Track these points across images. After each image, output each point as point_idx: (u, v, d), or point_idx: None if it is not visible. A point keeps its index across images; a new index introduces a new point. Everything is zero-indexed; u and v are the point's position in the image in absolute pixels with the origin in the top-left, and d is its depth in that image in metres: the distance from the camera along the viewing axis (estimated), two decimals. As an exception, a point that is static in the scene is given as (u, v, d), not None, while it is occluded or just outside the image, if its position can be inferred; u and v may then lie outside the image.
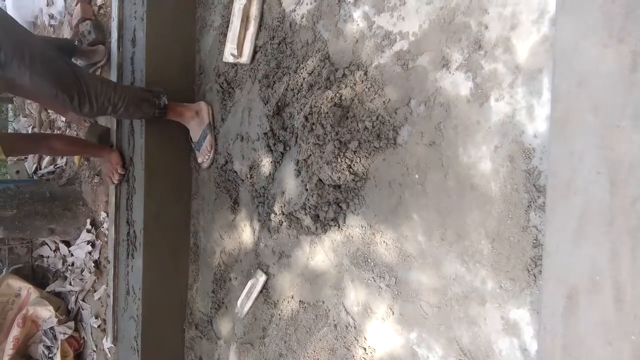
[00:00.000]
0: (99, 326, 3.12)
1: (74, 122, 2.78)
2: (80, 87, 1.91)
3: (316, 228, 1.73)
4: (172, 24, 2.34)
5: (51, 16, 3.75)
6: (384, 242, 1.55)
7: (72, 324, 3.35)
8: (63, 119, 3.60)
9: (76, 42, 2.84)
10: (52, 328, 3.35)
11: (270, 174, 1.97)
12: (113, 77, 2.55)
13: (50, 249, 3.65)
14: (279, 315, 1.93)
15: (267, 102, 1.95)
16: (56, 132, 3.69)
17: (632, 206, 0.98)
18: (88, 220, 3.17)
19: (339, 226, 1.69)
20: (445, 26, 1.38)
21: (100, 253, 3.13)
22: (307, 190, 1.75)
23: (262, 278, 2.00)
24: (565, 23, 1.09)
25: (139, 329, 2.37)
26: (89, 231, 3.17)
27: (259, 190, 2.03)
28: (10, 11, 3.89)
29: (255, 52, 2.04)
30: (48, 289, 3.51)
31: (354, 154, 1.58)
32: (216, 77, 2.25)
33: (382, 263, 1.56)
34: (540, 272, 1.18)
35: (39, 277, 3.74)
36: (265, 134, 1.94)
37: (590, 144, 1.05)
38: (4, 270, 3.63)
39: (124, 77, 2.46)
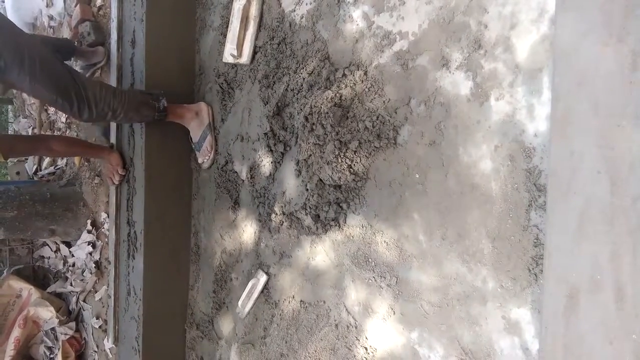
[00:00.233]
0: (100, 327, 3.12)
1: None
2: (79, 93, 1.92)
3: (317, 228, 1.73)
4: (172, 24, 2.33)
5: (50, 17, 3.75)
6: (384, 241, 1.55)
7: (73, 324, 3.36)
8: (63, 119, 3.60)
9: (75, 43, 2.84)
10: (53, 329, 3.36)
11: (270, 174, 1.97)
12: (113, 78, 2.55)
13: (51, 249, 3.65)
14: (280, 315, 1.93)
15: (267, 103, 1.95)
16: (56, 133, 3.69)
17: (633, 205, 0.99)
18: (89, 221, 3.17)
19: (339, 226, 1.69)
20: (445, 26, 1.38)
21: (101, 254, 3.13)
22: (307, 190, 1.75)
23: (263, 278, 2.00)
24: (565, 22, 1.09)
25: (140, 329, 2.37)
26: (89, 232, 3.17)
27: (259, 191, 2.03)
28: (9, 12, 3.89)
29: (255, 53, 2.04)
30: (49, 289, 3.51)
31: (355, 153, 1.58)
32: (216, 78, 2.25)
33: (382, 263, 1.56)
34: (541, 271, 1.18)
35: (39, 278, 3.74)
36: (266, 134, 1.94)
37: (590, 143, 1.05)
38: (5, 271, 3.63)
39: (123, 78, 2.46)
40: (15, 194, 3.01)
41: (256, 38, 2.03)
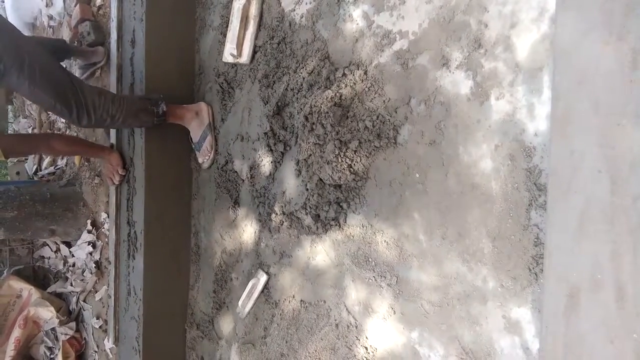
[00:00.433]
0: (100, 327, 3.12)
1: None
2: (78, 100, 1.92)
3: (317, 228, 1.73)
4: (172, 24, 2.33)
5: (50, 17, 3.75)
6: (384, 241, 1.55)
7: (73, 324, 3.36)
8: (63, 120, 3.60)
9: (75, 43, 2.84)
10: (53, 329, 3.36)
11: (270, 174, 1.97)
12: (112, 77, 2.55)
13: (51, 250, 3.65)
14: (280, 314, 1.93)
15: (267, 102, 1.95)
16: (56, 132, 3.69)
17: (633, 204, 0.98)
18: (89, 221, 3.16)
19: (339, 226, 1.69)
20: (445, 25, 1.37)
21: (101, 254, 3.13)
22: (307, 189, 1.75)
23: (263, 278, 2.00)
24: (565, 21, 1.09)
25: (140, 329, 2.37)
26: (89, 232, 3.17)
27: (259, 190, 2.03)
28: (9, 12, 3.88)
29: (254, 52, 2.04)
30: (49, 289, 3.51)
31: (355, 153, 1.58)
32: (216, 77, 2.25)
33: (383, 262, 1.56)
34: (542, 270, 1.18)
35: (40, 278, 3.74)
36: (266, 133, 1.94)
37: (590, 142, 1.05)
38: (5, 272, 3.63)
39: (123, 78, 2.46)
40: (15, 194, 3.01)
41: (256, 37, 2.02)
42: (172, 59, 2.34)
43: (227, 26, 2.10)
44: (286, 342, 1.89)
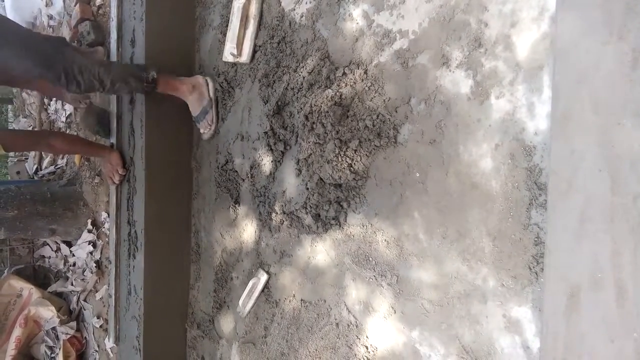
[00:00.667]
0: (100, 326, 3.13)
1: (71, 103, 2.78)
2: (65, 64, 1.92)
3: (317, 227, 1.73)
4: (172, 23, 2.33)
5: (50, 17, 3.75)
6: (385, 240, 1.55)
7: (74, 324, 3.36)
8: (63, 119, 3.60)
9: (75, 43, 2.84)
10: (54, 328, 3.36)
11: (270, 173, 1.97)
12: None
13: (52, 249, 3.65)
14: (281, 314, 1.93)
15: (267, 102, 1.95)
16: (56, 132, 3.69)
17: (634, 203, 0.98)
18: (89, 221, 3.17)
19: (340, 225, 1.69)
20: (445, 24, 1.37)
21: (101, 253, 3.13)
22: (307, 189, 1.75)
23: (263, 277, 2.00)
24: (566, 20, 1.09)
25: (141, 328, 2.37)
26: (90, 231, 3.17)
27: (259, 190, 2.03)
28: (9, 12, 3.89)
29: (254, 52, 2.04)
30: (50, 289, 3.52)
31: (355, 152, 1.58)
32: (216, 77, 2.25)
33: (383, 261, 1.56)
34: (542, 269, 1.18)
35: (40, 277, 3.75)
36: (266, 133, 1.94)
37: (591, 141, 1.05)
38: (6, 271, 3.64)
39: (123, 77, 2.46)
40: (15, 194, 3.01)
41: (256, 37, 2.02)
42: (172, 58, 2.34)
43: (227, 25, 2.10)
44: (287, 341, 1.89)
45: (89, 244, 3.19)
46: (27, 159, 4.10)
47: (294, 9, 1.86)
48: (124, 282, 2.55)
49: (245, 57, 2.05)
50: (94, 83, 2.01)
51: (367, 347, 1.61)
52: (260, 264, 2.05)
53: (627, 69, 0.99)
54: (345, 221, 1.68)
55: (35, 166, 3.88)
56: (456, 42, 1.35)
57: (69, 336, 3.30)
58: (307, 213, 1.75)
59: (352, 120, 1.59)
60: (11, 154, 4.23)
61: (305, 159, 1.73)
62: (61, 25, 3.57)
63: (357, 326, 1.65)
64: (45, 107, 3.95)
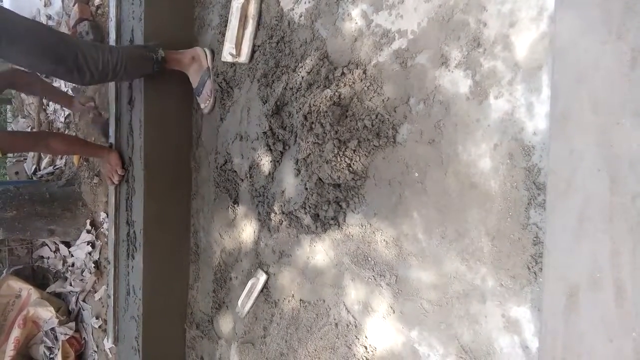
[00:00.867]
0: (99, 326, 3.12)
1: (78, 111, 2.77)
2: (76, 57, 1.89)
3: (316, 227, 1.73)
4: (170, 23, 2.33)
5: (49, 17, 3.75)
6: (384, 240, 1.55)
7: (72, 324, 3.36)
8: (62, 119, 3.60)
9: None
10: (53, 329, 3.36)
11: (269, 173, 1.96)
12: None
13: (50, 249, 3.65)
14: (280, 314, 1.93)
15: (266, 102, 1.95)
16: (55, 132, 3.68)
17: (632, 203, 0.98)
18: (88, 221, 3.16)
19: (339, 225, 1.69)
20: (444, 24, 1.37)
21: (100, 253, 3.13)
22: (306, 189, 1.75)
23: (262, 277, 2.00)
24: (564, 20, 1.09)
25: (140, 329, 2.37)
26: (88, 232, 3.17)
27: (258, 190, 2.03)
28: (7, 12, 3.87)
29: (253, 52, 2.04)
30: (48, 289, 3.51)
31: (354, 152, 1.58)
32: (215, 77, 2.25)
33: (382, 261, 1.56)
34: (541, 269, 1.18)
35: (39, 278, 3.74)
36: (265, 133, 1.94)
37: (590, 141, 1.05)
38: (5, 272, 3.63)
39: (122, 77, 2.45)
40: (14, 194, 3.01)
41: (255, 37, 2.02)
42: (171, 58, 2.34)
43: (226, 25, 2.10)
44: (286, 341, 1.89)
45: (87, 244, 3.18)
46: (26, 159, 4.10)
47: (293, 9, 1.86)
48: (123, 282, 2.55)
49: (244, 57, 2.05)
50: (108, 72, 1.99)
51: (366, 347, 1.61)
52: (259, 264, 2.04)
53: (626, 69, 0.99)
54: (344, 221, 1.67)
55: (34, 166, 3.87)
56: (455, 42, 1.35)
57: (67, 337, 3.29)
58: (306, 213, 1.75)
59: (351, 120, 1.59)
60: (9, 154, 4.23)
61: (304, 159, 1.73)
62: (60, 25, 3.57)
63: (356, 326, 1.65)
64: (44, 107, 3.94)
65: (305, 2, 1.81)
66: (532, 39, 1.20)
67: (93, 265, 3.15)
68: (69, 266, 3.44)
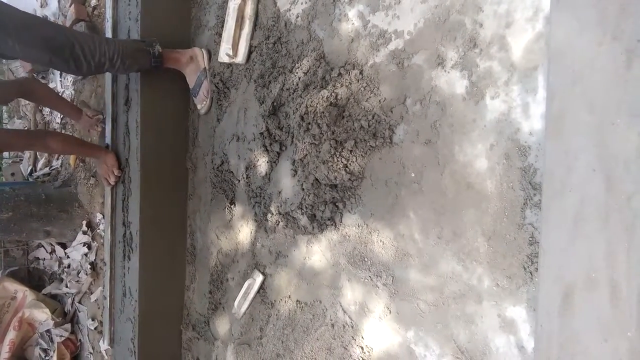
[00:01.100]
0: (95, 328, 3.11)
1: (86, 126, 2.76)
2: (72, 47, 1.89)
3: (313, 227, 1.73)
4: (167, 24, 2.33)
5: (45, 18, 3.74)
6: (380, 240, 1.55)
7: (68, 326, 3.35)
8: (58, 120, 3.59)
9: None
10: (48, 331, 3.34)
11: (266, 174, 1.96)
12: (108, 79, 2.54)
13: (46, 251, 3.64)
14: (276, 315, 1.93)
15: (263, 102, 1.95)
16: (51, 133, 3.67)
17: (628, 203, 0.99)
18: (84, 222, 3.16)
19: (335, 225, 1.69)
20: (440, 24, 1.38)
21: (96, 255, 3.12)
22: (303, 189, 1.75)
23: (259, 278, 1.99)
24: (560, 21, 1.10)
25: (136, 330, 2.36)
26: (84, 233, 3.16)
27: (255, 190, 2.03)
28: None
29: (250, 52, 2.04)
30: (44, 291, 3.50)
31: (350, 153, 1.58)
32: (211, 77, 2.24)
33: (378, 262, 1.56)
34: (537, 269, 1.18)
35: (35, 279, 3.73)
36: (261, 133, 1.93)
37: (585, 141, 1.05)
38: (0, 273, 3.61)
39: (118, 79, 2.45)
40: (10, 195, 3.00)
41: (252, 37, 2.02)
42: (168, 59, 2.34)
43: (222, 26, 2.10)
44: (282, 342, 1.89)
45: (83, 245, 3.17)
46: (22, 160, 4.08)
47: (290, 10, 1.86)
48: (119, 283, 2.54)
49: (240, 58, 2.05)
50: (105, 62, 1.98)
51: (362, 348, 1.61)
52: (256, 265, 2.04)
53: (621, 69, 0.99)
54: (341, 222, 1.67)
55: (30, 167, 3.86)
56: (451, 42, 1.35)
57: (63, 338, 3.28)
58: (302, 214, 1.75)
59: (347, 121, 1.59)
60: (5, 155, 4.21)
61: (301, 159, 1.73)
62: (56, 26, 3.56)
63: (352, 327, 1.64)
64: (40, 108, 3.93)
65: (302, 3, 1.81)
66: (527, 39, 1.20)
67: (89, 266, 3.14)
68: (65, 267, 3.43)
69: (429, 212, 1.42)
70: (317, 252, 1.77)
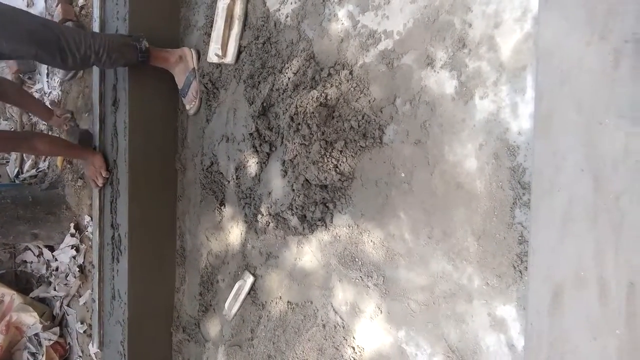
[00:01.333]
0: (84, 331, 3.09)
1: (56, 125, 2.74)
2: (58, 41, 1.87)
3: (303, 228, 1.73)
4: (155, 24, 2.31)
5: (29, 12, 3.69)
6: (371, 241, 1.55)
7: (57, 329, 3.31)
8: (44, 122, 3.55)
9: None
10: (36, 334, 3.31)
11: (256, 175, 1.96)
12: (95, 77, 2.52)
13: (34, 254, 3.60)
14: (267, 316, 1.92)
15: (253, 103, 1.94)
16: (38, 135, 3.63)
17: (616, 202, 1.00)
18: (72, 225, 3.12)
19: (326, 226, 1.68)
20: (430, 25, 1.38)
21: (84, 257, 3.09)
22: (293, 190, 1.75)
23: (249, 279, 1.98)
24: (548, 21, 1.10)
25: (125, 333, 2.34)
26: (72, 235, 3.13)
27: (245, 192, 2.02)
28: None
29: (239, 52, 2.03)
30: (32, 294, 3.46)
31: (340, 153, 1.58)
32: (200, 78, 2.23)
33: (369, 262, 1.56)
34: (526, 268, 1.19)
35: (22, 282, 3.68)
36: (251, 134, 1.93)
37: (573, 141, 1.06)
38: (-13, 277, 3.57)
39: (106, 78, 2.43)
40: (-4, 198, 2.96)
41: (241, 37, 2.01)
42: (156, 59, 2.32)
43: (211, 26, 2.09)
44: (273, 343, 1.88)
45: (71, 248, 3.14)
46: (8, 162, 4.03)
47: (279, 10, 1.85)
48: (108, 286, 2.52)
49: (230, 58, 2.04)
50: (90, 56, 1.96)
51: (354, 348, 1.61)
52: (246, 266, 2.03)
53: (609, 69, 1.00)
54: (332, 222, 1.67)
55: (17, 169, 3.81)
56: (440, 42, 1.36)
57: (52, 342, 3.25)
58: (293, 214, 1.75)
59: (337, 121, 1.59)
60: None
61: (290, 160, 1.72)
62: (43, 26, 3.52)
63: (344, 327, 1.64)
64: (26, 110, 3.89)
65: (291, 3, 1.81)
66: (516, 39, 1.21)
67: (77, 269, 3.11)
68: (53, 270, 3.39)
69: (419, 212, 1.42)
70: (307, 253, 1.76)
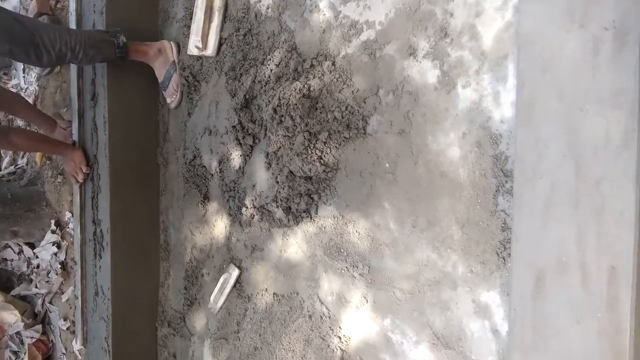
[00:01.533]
0: (67, 328, 3.05)
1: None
2: (32, 38, 1.82)
3: (288, 220, 1.72)
4: (133, 17, 2.27)
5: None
6: (356, 231, 1.56)
7: (39, 327, 3.27)
8: (21, 121, 3.48)
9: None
10: (18, 333, 3.26)
11: (240, 168, 1.95)
12: (73, 73, 2.47)
13: (14, 251, 3.54)
14: (253, 308, 1.92)
15: (235, 95, 1.93)
16: (15, 130, 3.55)
17: (597, 188, 1.01)
18: (52, 221, 3.08)
19: (311, 217, 1.69)
20: (411, 14, 1.38)
21: (66, 254, 3.05)
22: (278, 182, 1.74)
23: (235, 272, 1.98)
24: (529, 9, 1.11)
25: (110, 329, 2.32)
26: (53, 232, 3.08)
27: (229, 185, 2.01)
28: (-39, 6, 3.72)
29: (220, 44, 2.01)
30: (13, 292, 3.41)
31: (324, 144, 1.58)
32: (181, 71, 2.21)
33: (355, 252, 1.56)
34: (510, 255, 1.21)
35: (3, 281, 3.62)
36: (234, 127, 1.91)
37: (555, 128, 1.07)
38: (-35, 276, 3.51)
39: (84, 73, 2.39)
40: (-27, 195, 2.90)
41: (221, 29, 1.99)
42: (135, 52, 2.28)
43: (191, 18, 2.06)
44: (260, 335, 1.88)
45: (53, 245, 3.10)
46: (-15, 159, 3.95)
47: (260, 1, 1.84)
48: (91, 282, 2.49)
49: (210, 50, 2.01)
50: (66, 53, 1.92)
51: (340, 338, 1.62)
52: (232, 259, 2.03)
53: (589, 56, 1.01)
54: (317, 213, 1.67)
55: (-6, 166, 3.74)
56: (422, 32, 1.36)
57: (34, 340, 3.21)
58: (277, 206, 1.75)
59: (321, 113, 1.59)
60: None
61: (274, 152, 1.72)
62: (17, 19, 3.44)
63: (330, 317, 1.65)
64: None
65: (272, -6, 1.79)
66: (497, 28, 1.22)
67: (59, 266, 3.07)
68: (34, 268, 3.34)
69: (403, 202, 1.43)
70: (293, 245, 1.76)
